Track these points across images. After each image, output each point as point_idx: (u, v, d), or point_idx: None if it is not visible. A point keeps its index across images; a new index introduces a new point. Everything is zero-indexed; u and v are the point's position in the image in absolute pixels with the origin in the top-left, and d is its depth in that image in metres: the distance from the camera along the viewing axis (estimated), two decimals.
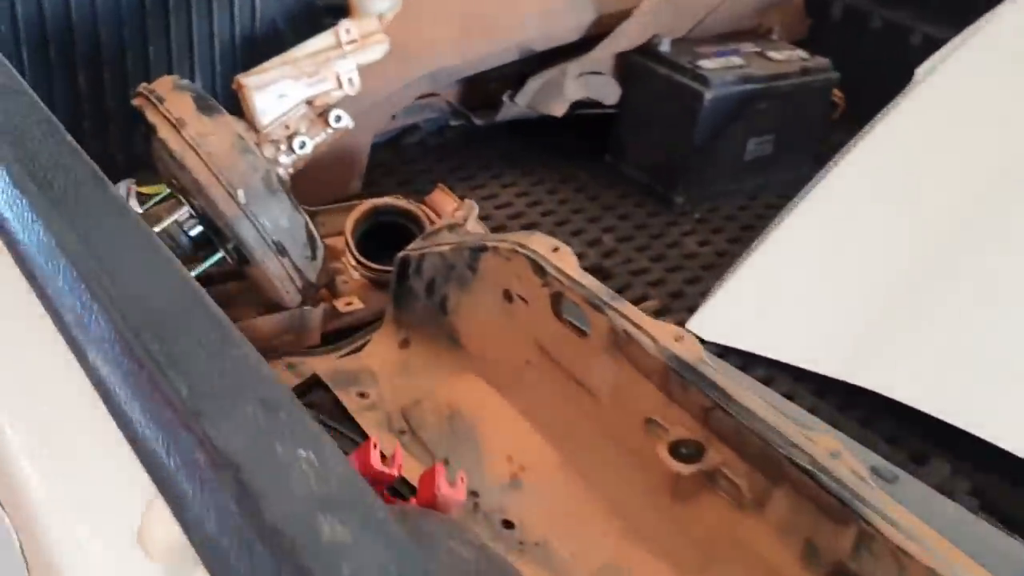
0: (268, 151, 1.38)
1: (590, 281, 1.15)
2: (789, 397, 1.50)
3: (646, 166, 2.04)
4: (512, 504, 1.15)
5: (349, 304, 1.46)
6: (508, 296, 1.27)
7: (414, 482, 1.11)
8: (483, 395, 1.27)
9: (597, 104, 2.02)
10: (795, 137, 2.07)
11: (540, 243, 1.21)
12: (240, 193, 1.24)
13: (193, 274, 1.39)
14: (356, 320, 1.48)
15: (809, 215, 1.69)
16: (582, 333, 1.19)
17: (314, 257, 1.32)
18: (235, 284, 1.51)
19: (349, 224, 1.52)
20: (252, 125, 1.38)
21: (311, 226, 1.32)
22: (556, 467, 1.17)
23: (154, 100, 1.29)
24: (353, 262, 1.51)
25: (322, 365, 1.38)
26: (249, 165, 1.26)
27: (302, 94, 1.41)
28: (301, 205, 1.62)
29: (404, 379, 1.35)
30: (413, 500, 1.05)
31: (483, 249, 1.27)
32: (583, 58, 1.98)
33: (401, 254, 1.37)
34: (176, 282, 0.63)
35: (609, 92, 2.02)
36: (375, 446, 1.00)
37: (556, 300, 1.21)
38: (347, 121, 1.45)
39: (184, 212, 1.36)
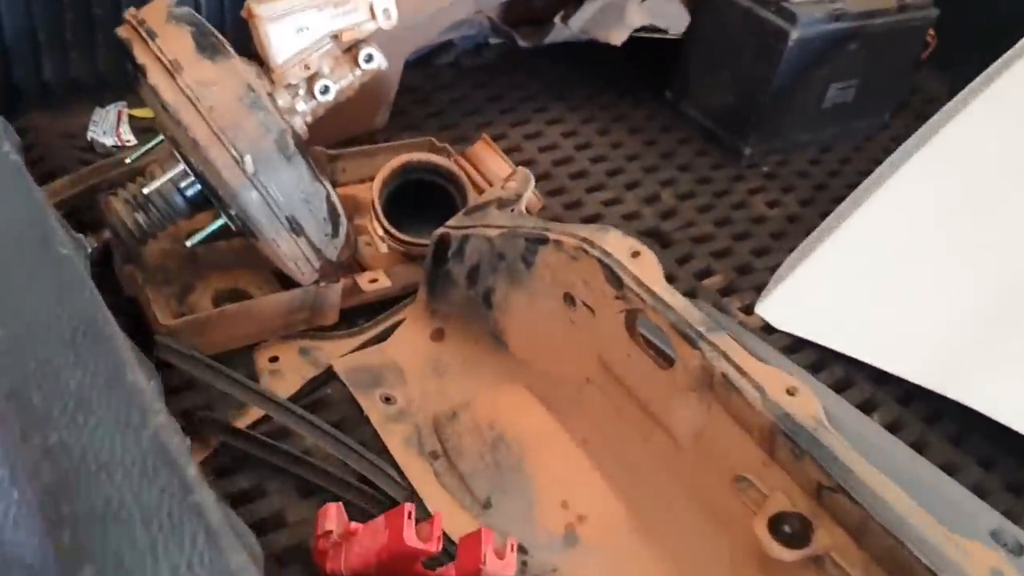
0: (283, 98, 1.13)
1: (680, 302, 0.92)
2: (870, 404, 1.35)
3: (711, 109, 1.80)
4: (566, 565, 0.94)
5: (373, 281, 1.23)
6: (570, 300, 1.05)
7: (450, 531, 0.91)
8: (533, 415, 1.06)
9: (660, 31, 1.76)
10: (880, 82, 1.84)
11: (616, 244, 0.98)
12: (247, 159, 1.00)
13: (190, 243, 1.18)
14: (380, 297, 1.26)
15: (901, 192, 1.45)
16: (662, 358, 0.98)
17: (335, 234, 1.09)
18: (241, 240, 1.28)
19: (377, 184, 1.27)
20: (264, 64, 1.12)
21: (334, 197, 1.08)
22: (620, 521, 0.97)
23: (144, 34, 1.04)
24: (380, 232, 1.27)
25: (341, 355, 1.17)
26: (259, 124, 1.01)
27: (327, 27, 1.14)
28: (318, 146, 1.38)
29: (437, 381, 1.13)
30: (453, 573, 0.85)
31: (543, 241, 1.04)
32: None
33: (439, 231, 1.14)
34: (145, 438, 0.41)
35: (676, 20, 1.76)
36: (410, 515, 0.80)
37: (632, 316, 0.98)
38: (379, 60, 1.19)
39: (180, 169, 1.11)
